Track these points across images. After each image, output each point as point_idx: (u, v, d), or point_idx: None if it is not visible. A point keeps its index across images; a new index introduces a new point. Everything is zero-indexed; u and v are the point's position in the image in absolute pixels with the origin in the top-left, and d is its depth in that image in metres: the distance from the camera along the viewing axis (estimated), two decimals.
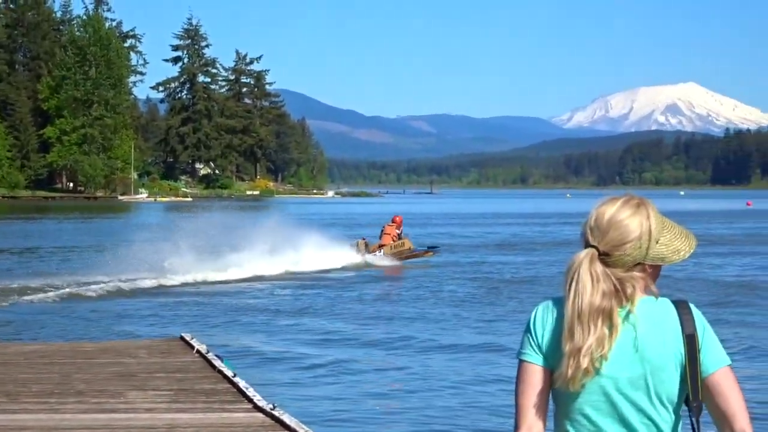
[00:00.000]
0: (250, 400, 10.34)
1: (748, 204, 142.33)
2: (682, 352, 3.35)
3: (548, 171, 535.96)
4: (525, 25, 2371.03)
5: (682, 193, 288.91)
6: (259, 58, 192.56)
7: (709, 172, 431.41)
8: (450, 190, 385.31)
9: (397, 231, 40.91)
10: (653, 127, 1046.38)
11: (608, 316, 3.34)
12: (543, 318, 3.44)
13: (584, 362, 3.31)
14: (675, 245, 3.46)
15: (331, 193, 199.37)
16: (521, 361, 3.43)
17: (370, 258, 39.20)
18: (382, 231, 41.39)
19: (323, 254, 38.14)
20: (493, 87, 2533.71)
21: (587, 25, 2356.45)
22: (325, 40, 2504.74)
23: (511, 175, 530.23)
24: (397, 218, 41.71)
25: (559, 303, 3.42)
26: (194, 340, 14.22)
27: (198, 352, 13.39)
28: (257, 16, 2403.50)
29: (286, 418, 9.41)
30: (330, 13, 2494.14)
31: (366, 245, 40.32)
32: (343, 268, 37.17)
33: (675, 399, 3.38)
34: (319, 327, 22.08)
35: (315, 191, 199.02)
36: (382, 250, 39.88)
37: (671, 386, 3.36)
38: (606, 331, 3.33)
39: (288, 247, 37.86)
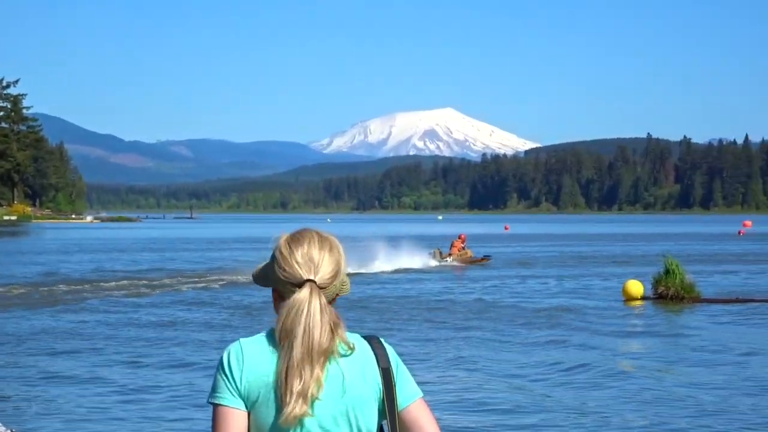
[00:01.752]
0: None
1: (506, 228, 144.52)
2: (380, 386, 3.36)
3: (308, 196, 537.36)
4: (283, 49, 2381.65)
5: (440, 217, 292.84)
6: (16, 81, 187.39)
7: (467, 197, 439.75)
8: (210, 214, 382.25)
9: (462, 245, 57.53)
10: (411, 152, 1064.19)
11: (330, 353, 3.35)
12: (239, 359, 3.36)
13: (307, 402, 3.30)
14: (346, 277, 3.51)
15: (89, 218, 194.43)
16: (218, 406, 3.34)
17: (444, 262, 55.37)
18: (451, 244, 57.96)
19: (414, 258, 54.48)
20: (252, 112, 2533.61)
21: (344, 51, 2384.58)
22: (82, 64, 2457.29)
23: (271, 199, 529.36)
24: (463, 236, 59.13)
25: (262, 341, 3.38)
26: None
27: None
28: (13, 40, 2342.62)
29: None
30: (85, 36, 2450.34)
31: (440, 253, 56.65)
32: (427, 268, 52.42)
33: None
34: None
35: (74, 216, 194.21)
36: (451, 257, 55.91)
37: (371, 420, 3.37)
38: (323, 368, 3.32)
39: (396, 254, 54.77)
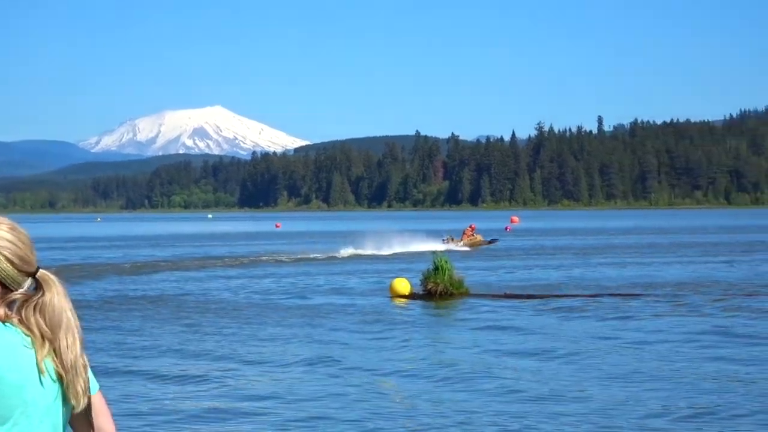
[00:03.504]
0: None
1: (277, 226, 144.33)
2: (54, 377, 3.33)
3: (77, 195, 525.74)
4: (49, 46, 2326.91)
5: (210, 216, 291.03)
6: None
7: (237, 195, 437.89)
8: None
9: (472, 233, 69.99)
10: (181, 151, 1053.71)
11: None
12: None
13: None
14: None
15: None
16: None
17: (455, 246, 66.12)
18: (463, 232, 70.76)
19: (429, 244, 64.70)
20: (18, 110, 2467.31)
21: (112, 48, 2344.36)
22: None
23: (39, 199, 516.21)
24: (473, 225, 72.45)
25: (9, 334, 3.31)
26: None
27: None
28: None
29: None
30: None
31: (452, 239, 68.73)
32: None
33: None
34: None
35: None
36: (462, 242, 68.03)
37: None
38: None
39: (412, 240, 67.94)
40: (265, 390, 17.29)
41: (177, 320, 28.19)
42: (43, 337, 3.32)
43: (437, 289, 32.69)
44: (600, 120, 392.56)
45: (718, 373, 18.17)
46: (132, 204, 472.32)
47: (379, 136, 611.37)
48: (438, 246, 61.38)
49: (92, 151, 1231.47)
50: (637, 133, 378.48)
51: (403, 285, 33.71)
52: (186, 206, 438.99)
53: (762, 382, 17.21)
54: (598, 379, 17.78)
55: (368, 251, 64.81)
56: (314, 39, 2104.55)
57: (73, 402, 3.39)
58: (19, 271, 3.31)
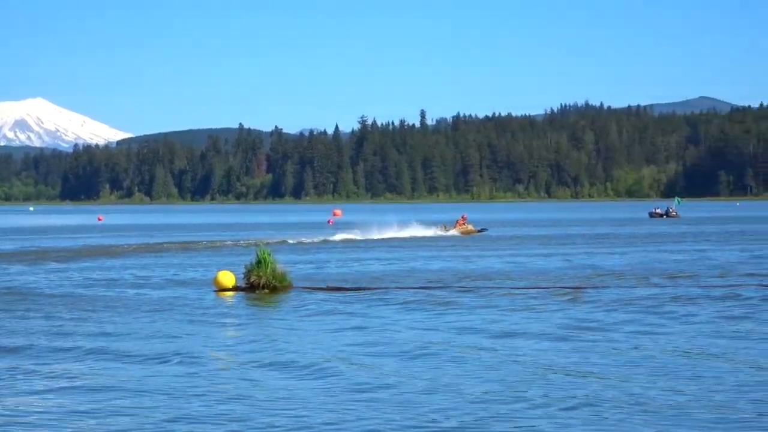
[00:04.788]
0: None
1: (99, 219, 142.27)
2: None
3: None
4: None
5: (31, 208, 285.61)
6: None
7: (59, 188, 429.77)
8: None
9: (464, 222, 78.11)
10: (2, 143, 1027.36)
11: None
12: None
13: None
14: None
15: None
16: None
17: (449, 233, 75.25)
18: (456, 222, 78.82)
19: (425, 230, 76.59)
20: None
21: None
22: None
23: None
24: (465, 215, 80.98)
25: None
26: None
27: None
28: None
29: None
30: None
31: (446, 227, 77.47)
32: (437, 237, 73.53)
33: None
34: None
35: None
36: (455, 230, 76.45)
37: None
38: None
39: (408, 228, 76.82)
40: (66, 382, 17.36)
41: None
42: None
43: (260, 282, 32.94)
44: (423, 114, 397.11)
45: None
46: None
47: (202, 129, 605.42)
48: (432, 233, 75.87)
49: None
50: (460, 126, 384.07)
51: (227, 278, 33.80)
52: (7, 198, 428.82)
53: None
54: (396, 360, 18.41)
55: (358, 236, 71.45)
56: (136, 29, 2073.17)
57: None
58: None
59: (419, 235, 74.65)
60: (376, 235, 72.54)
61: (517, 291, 32.22)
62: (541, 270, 41.46)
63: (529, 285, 34.19)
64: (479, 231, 78.13)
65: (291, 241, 67.22)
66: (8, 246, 66.23)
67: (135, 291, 34.35)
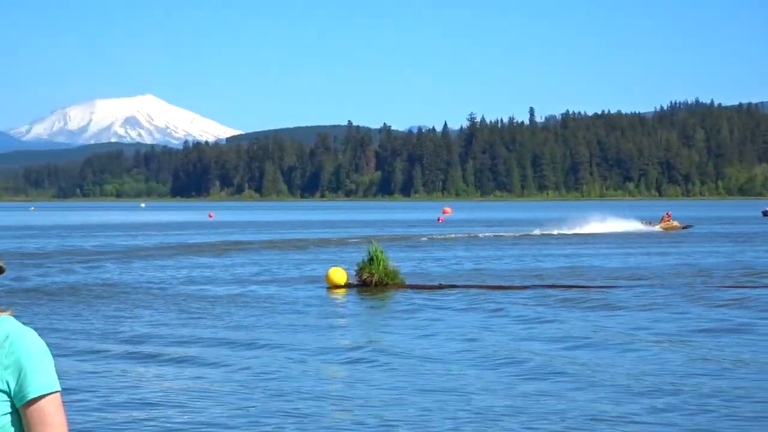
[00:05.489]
0: None
1: (210, 215, 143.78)
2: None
3: (7, 183, 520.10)
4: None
5: (142, 205, 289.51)
6: None
7: (169, 184, 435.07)
8: None
9: (668, 219, 78.85)
10: (113, 140, 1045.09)
11: None
12: None
13: None
14: None
15: None
16: (59, 392, 3.25)
17: (654, 228, 76.95)
18: (661, 218, 79.84)
19: (627, 224, 78.43)
20: None
21: (43, 35, 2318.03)
22: None
23: None
24: (670, 213, 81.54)
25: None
26: None
27: None
28: None
29: None
30: None
31: (650, 223, 79.13)
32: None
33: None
34: None
35: None
36: (659, 226, 77.72)
37: None
38: None
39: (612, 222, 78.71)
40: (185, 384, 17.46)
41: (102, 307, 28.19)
42: None
43: (372, 279, 32.88)
44: (532, 111, 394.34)
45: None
46: (64, 193, 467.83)
47: (311, 126, 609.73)
48: (638, 227, 78.06)
49: (23, 139, 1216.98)
50: (569, 124, 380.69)
51: (338, 275, 33.81)
52: (118, 195, 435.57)
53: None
54: (517, 377, 18.15)
55: (555, 231, 74.39)
56: (246, 28, 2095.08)
57: None
58: None
59: (620, 230, 75.85)
60: (576, 230, 75.23)
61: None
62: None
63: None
64: (684, 227, 78.61)
65: (486, 235, 71.82)
66: (125, 242, 67.14)
67: (256, 287, 34.48)
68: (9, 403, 3.13)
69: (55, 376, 3.18)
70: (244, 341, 21.81)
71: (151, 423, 14.17)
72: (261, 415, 14.60)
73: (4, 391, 3.14)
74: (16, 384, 3.12)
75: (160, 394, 16.29)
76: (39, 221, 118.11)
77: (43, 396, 3.14)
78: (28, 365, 3.12)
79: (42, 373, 3.14)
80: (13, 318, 3.25)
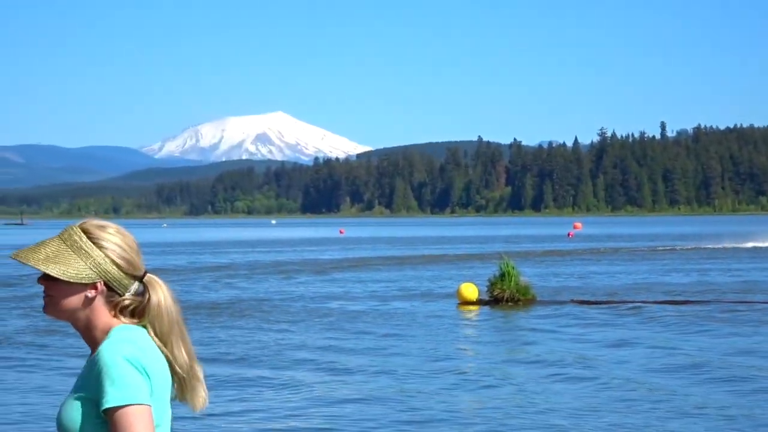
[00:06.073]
0: None
1: (341, 232, 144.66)
2: None
3: (140, 200, 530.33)
4: (110, 52, 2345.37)
5: (273, 221, 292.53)
6: None
7: (300, 201, 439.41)
8: (42, 220, 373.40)
9: None
10: (244, 157, 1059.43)
11: None
12: (149, 358, 3.32)
13: None
14: None
15: None
16: (144, 406, 3.26)
17: None
18: None
19: None
20: (81, 116, 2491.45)
21: (174, 54, 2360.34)
22: None
23: (103, 205, 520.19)
24: None
25: (147, 339, 3.37)
26: None
27: None
28: None
29: None
30: None
31: None
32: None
33: None
34: None
35: None
36: None
37: None
38: None
39: None
40: (340, 395, 17.61)
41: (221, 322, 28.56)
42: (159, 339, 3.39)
43: (504, 295, 32.74)
44: (663, 125, 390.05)
45: None
46: (195, 210, 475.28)
47: (441, 142, 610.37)
48: None
49: (155, 156, 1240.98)
50: (701, 138, 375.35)
51: (470, 290, 33.69)
52: (249, 212, 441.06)
53: None
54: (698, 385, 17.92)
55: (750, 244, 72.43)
56: (376, 45, 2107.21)
57: (191, 405, 3.48)
58: (126, 274, 3.35)
59: None
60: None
61: None
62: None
63: None
64: None
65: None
66: (259, 258, 68.00)
67: (391, 303, 34.67)
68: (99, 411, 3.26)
69: (136, 389, 3.24)
70: (385, 353, 21.94)
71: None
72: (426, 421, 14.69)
73: (93, 400, 3.27)
74: (98, 393, 3.24)
75: (304, 402, 16.53)
76: (170, 237, 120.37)
77: (117, 408, 3.23)
78: (103, 376, 3.23)
79: (114, 386, 3.22)
80: (129, 328, 3.39)
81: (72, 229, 3.38)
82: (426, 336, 25.72)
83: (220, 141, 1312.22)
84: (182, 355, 3.43)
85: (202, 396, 3.50)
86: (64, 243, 3.34)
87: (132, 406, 3.25)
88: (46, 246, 3.35)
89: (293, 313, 31.80)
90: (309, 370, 20.24)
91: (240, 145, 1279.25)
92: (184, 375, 3.44)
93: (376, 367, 20.46)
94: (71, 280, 3.36)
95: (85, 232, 3.36)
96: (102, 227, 3.40)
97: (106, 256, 3.33)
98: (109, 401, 3.24)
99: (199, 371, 3.49)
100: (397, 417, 15.47)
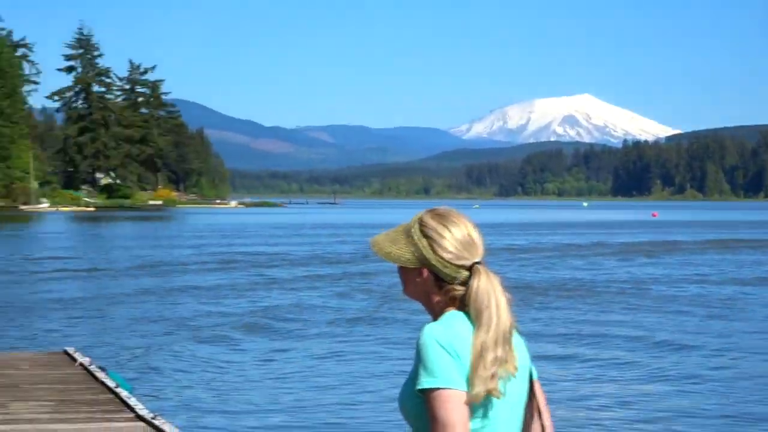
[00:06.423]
0: (132, 410, 10.57)
1: (653, 215, 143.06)
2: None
3: (450, 181, 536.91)
4: (418, 35, 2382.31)
5: (585, 204, 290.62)
6: (153, 68, 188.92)
7: (610, 183, 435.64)
8: (353, 200, 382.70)
9: None
10: (552, 138, 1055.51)
11: (512, 330, 3.38)
12: (461, 341, 3.29)
13: (500, 379, 3.32)
14: None
15: (234, 203, 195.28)
16: (451, 390, 3.25)
17: None
18: None
19: None
20: (390, 97, 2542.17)
21: (482, 38, 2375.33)
22: (220, 49, 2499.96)
23: (413, 185, 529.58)
24: None
25: (462, 322, 3.33)
26: (77, 353, 14.39)
27: (81, 364, 13.50)
28: (151, 25, 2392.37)
29: (167, 427, 9.78)
30: (223, 21, 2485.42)
31: None
32: None
33: None
34: None
35: (218, 201, 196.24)
36: None
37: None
38: (512, 346, 3.35)
39: None
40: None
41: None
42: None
43: None
44: None
45: None
46: (505, 191, 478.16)
47: (751, 125, 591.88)
48: None
49: (463, 138, 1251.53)
50: None
51: None
52: (559, 194, 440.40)
53: None
54: None
55: None
56: (685, 29, 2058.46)
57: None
58: (450, 264, 3.35)
59: None
60: None
61: None
62: None
63: None
64: None
65: None
66: (575, 241, 68.61)
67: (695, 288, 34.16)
68: None
69: (445, 373, 3.22)
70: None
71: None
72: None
73: (413, 380, 3.34)
74: (415, 374, 3.29)
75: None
76: (503, 218, 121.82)
77: (427, 390, 3.24)
78: (419, 357, 3.29)
79: (425, 368, 3.24)
80: (454, 314, 3.36)
81: (416, 216, 3.43)
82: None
83: (527, 123, 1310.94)
84: (481, 343, 3.30)
85: (487, 384, 3.32)
86: (404, 229, 3.43)
87: (439, 390, 3.22)
88: (396, 230, 3.46)
89: (608, 295, 31.99)
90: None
91: (547, 126, 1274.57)
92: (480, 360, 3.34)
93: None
94: (396, 264, 3.47)
95: (421, 220, 3.40)
96: (439, 217, 3.41)
97: (430, 246, 3.34)
98: (421, 383, 3.26)
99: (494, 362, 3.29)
100: None
